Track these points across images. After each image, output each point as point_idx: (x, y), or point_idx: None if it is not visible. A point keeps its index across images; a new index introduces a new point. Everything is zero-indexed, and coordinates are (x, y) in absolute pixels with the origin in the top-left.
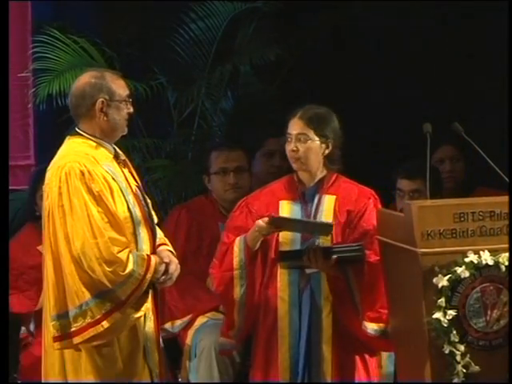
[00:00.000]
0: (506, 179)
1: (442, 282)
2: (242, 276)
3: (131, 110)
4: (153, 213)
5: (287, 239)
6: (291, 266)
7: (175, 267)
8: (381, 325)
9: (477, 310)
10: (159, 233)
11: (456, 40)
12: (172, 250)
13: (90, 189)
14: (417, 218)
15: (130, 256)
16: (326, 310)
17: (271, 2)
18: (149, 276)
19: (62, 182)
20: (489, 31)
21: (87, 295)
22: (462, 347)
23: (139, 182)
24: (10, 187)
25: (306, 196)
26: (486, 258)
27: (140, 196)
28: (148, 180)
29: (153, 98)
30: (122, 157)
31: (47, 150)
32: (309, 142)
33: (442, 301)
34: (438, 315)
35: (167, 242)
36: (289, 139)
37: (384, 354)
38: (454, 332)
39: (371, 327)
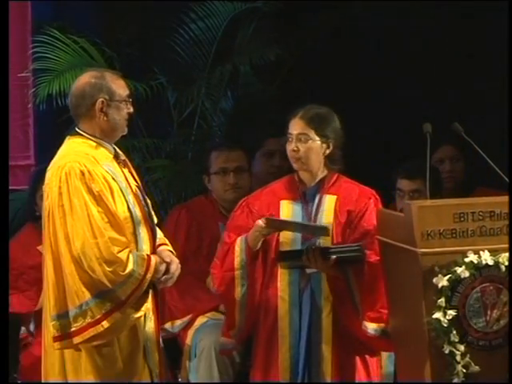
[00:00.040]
0: (506, 179)
1: (442, 282)
2: (243, 276)
3: (131, 109)
4: (152, 213)
5: (288, 239)
6: (291, 266)
7: (176, 267)
8: (381, 325)
9: (477, 309)
10: (159, 233)
11: (456, 40)
12: (172, 250)
13: (90, 189)
14: (417, 218)
15: (130, 256)
16: (326, 310)
17: (271, 2)
18: (149, 276)
19: (62, 181)
20: (489, 31)
21: (87, 295)
22: (461, 347)
23: (139, 182)
24: (10, 187)
25: (306, 196)
26: (486, 257)
27: (140, 196)
28: (148, 180)
29: (153, 98)
30: (122, 157)
31: (47, 150)
32: (310, 141)
33: (441, 301)
34: (437, 315)
35: (167, 242)
36: (289, 139)
37: (384, 354)
38: (454, 332)
39: (371, 327)
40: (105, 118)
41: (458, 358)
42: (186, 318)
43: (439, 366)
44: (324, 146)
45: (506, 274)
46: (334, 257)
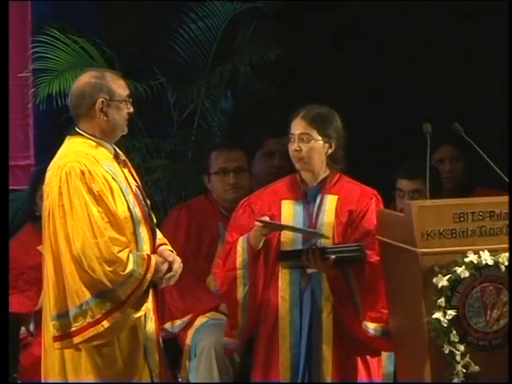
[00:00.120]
0: (506, 179)
1: (442, 281)
2: (245, 275)
3: (131, 109)
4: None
5: (289, 239)
6: (291, 266)
7: (179, 265)
8: (382, 325)
9: (477, 309)
10: (158, 233)
11: (456, 40)
12: (172, 249)
13: (90, 188)
14: (417, 218)
15: (130, 256)
16: (326, 310)
17: (271, 2)
18: (149, 276)
19: (62, 181)
20: (489, 31)
21: (87, 295)
22: (461, 347)
23: (139, 182)
24: (10, 187)
25: (308, 196)
26: (486, 257)
27: (140, 196)
28: (148, 180)
29: (153, 98)
30: (122, 157)
31: (47, 150)
32: (312, 141)
33: (441, 301)
34: (437, 315)
35: (166, 241)
36: (291, 139)
37: (384, 354)
38: (454, 332)
39: (372, 327)
40: (105, 118)
41: (458, 358)
42: (186, 318)
43: (439, 366)
44: (326, 145)
45: (505, 273)
46: (334, 257)
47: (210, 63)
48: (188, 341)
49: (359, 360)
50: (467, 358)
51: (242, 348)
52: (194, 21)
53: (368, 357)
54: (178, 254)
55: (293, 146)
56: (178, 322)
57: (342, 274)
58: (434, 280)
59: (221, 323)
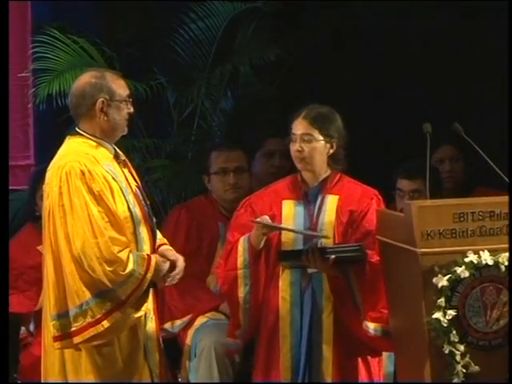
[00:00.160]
0: (506, 179)
1: (442, 281)
2: (246, 275)
3: (131, 109)
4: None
5: (289, 239)
6: (292, 266)
7: (182, 263)
8: (382, 325)
9: (477, 309)
10: (158, 233)
11: (456, 40)
12: (172, 250)
13: (90, 188)
14: (417, 218)
15: (131, 256)
16: (327, 310)
17: (271, 2)
18: (149, 275)
19: (62, 181)
20: (489, 31)
21: (87, 295)
22: (461, 347)
23: (139, 182)
24: (10, 187)
25: (309, 196)
26: (486, 257)
27: (140, 196)
28: (148, 180)
29: (153, 98)
30: (122, 157)
31: (47, 149)
32: (314, 142)
33: (441, 301)
34: (437, 315)
35: (166, 242)
36: (293, 139)
37: (384, 354)
38: (454, 332)
39: (373, 327)
40: (105, 118)
41: (458, 357)
42: (186, 318)
43: (439, 366)
44: (328, 145)
45: (505, 273)
46: (334, 257)
47: (210, 63)
48: (188, 341)
49: (360, 360)
50: (467, 358)
51: (244, 348)
52: (194, 21)
53: (369, 357)
54: None
55: (294, 147)
56: (178, 322)
57: (343, 273)
58: (434, 280)
59: (221, 323)
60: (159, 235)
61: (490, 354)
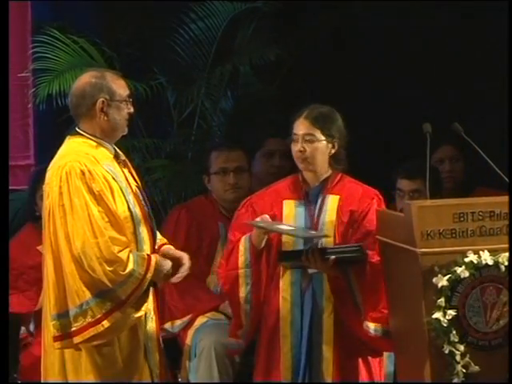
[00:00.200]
0: (506, 179)
1: (442, 281)
2: (248, 275)
3: (131, 110)
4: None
5: (290, 239)
6: (292, 266)
7: (188, 260)
8: (383, 325)
9: (477, 309)
10: (157, 233)
11: (456, 40)
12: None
13: (90, 188)
14: (417, 218)
15: (131, 255)
16: (327, 310)
17: (271, 2)
18: (149, 275)
19: (62, 181)
20: (489, 31)
21: (87, 294)
22: (461, 347)
23: (139, 182)
24: (10, 187)
25: (309, 196)
26: (486, 257)
27: (140, 196)
28: (148, 180)
29: (153, 98)
30: (122, 157)
31: (47, 149)
32: (316, 142)
33: (441, 301)
34: (437, 315)
35: (167, 241)
36: (295, 139)
37: (384, 354)
38: (454, 332)
39: (374, 327)
40: (105, 118)
41: (458, 357)
42: (186, 318)
43: (439, 366)
44: (329, 145)
45: (505, 273)
46: (333, 257)
47: (210, 63)
48: (188, 341)
49: (360, 360)
50: (467, 358)
51: (246, 348)
52: (194, 21)
53: (369, 357)
54: None
55: (296, 147)
56: (178, 322)
57: (343, 274)
58: (434, 280)
59: (221, 323)
60: (159, 235)
61: (489, 354)
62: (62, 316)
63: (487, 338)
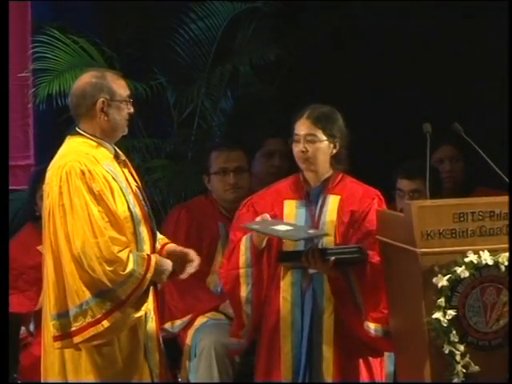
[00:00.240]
0: (506, 179)
1: (442, 281)
2: (249, 274)
3: (132, 110)
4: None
5: None
6: (292, 267)
7: (196, 254)
8: (384, 325)
9: (477, 309)
10: (158, 234)
11: (456, 40)
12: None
13: (90, 188)
14: (417, 218)
15: (131, 255)
16: (327, 310)
17: (271, 2)
18: (149, 275)
19: (62, 181)
20: (489, 31)
21: (87, 294)
22: (461, 347)
23: (139, 182)
24: (10, 187)
25: (310, 196)
26: (486, 257)
27: (140, 196)
28: (148, 180)
29: (153, 98)
30: (122, 157)
31: (47, 149)
32: (317, 142)
33: (441, 301)
34: (437, 315)
35: (169, 240)
36: (296, 140)
37: (384, 354)
38: (454, 332)
39: (374, 328)
40: (105, 118)
41: (458, 357)
42: (186, 318)
43: (439, 366)
44: (331, 145)
45: (505, 274)
46: (333, 258)
47: (210, 63)
48: (188, 341)
49: (361, 361)
50: (467, 358)
51: (247, 348)
52: (194, 21)
53: (370, 358)
54: None
55: (298, 147)
56: (178, 322)
57: (343, 275)
58: (434, 280)
59: (221, 323)
60: (160, 235)
61: (489, 354)
62: (62, 316)
63: (487, 338)
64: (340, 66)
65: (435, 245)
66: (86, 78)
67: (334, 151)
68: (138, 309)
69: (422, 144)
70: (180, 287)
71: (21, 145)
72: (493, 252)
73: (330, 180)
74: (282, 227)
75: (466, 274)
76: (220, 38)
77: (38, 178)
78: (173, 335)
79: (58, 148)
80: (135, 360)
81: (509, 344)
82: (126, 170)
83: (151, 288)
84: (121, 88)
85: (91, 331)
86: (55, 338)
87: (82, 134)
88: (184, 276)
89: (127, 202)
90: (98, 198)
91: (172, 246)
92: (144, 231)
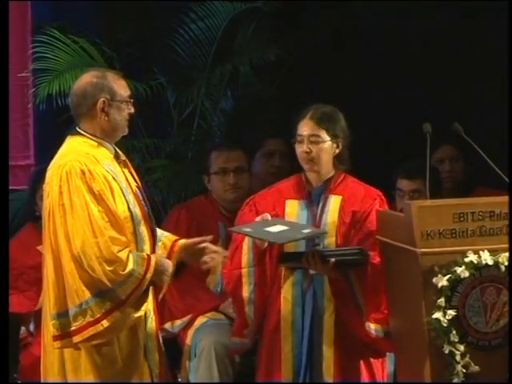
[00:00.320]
0: (506, 179)
1: (442, 281)
2: (251, 274)
3: (132, 110)
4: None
5: None
6: (294, 268)
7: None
8: (385, 326)
9: (476, 309)
10: (164, 232)
11: (456, 40)
12: None
13: (90, 188)
14: (417, 218)
15: (130, 255)
16: (328, 310)
17: (271, 2)
18: (149, 275)
19: (62, 180)
20: (489, 31)
21: (87, 294)
22: (461, 347)
23: (139, 182)
24: (10, 187)
25: (312, 196)
26: (486, 257)
27: (140, 196)
28: (148, 180)
29: (153, 98)
30: (123, 157)
31: (47, 149)
32: (321, 143)
33: (441, 301)
34: (437, 315)
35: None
36: (300, 140)
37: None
38: (454, 332)
39: (376, 328)
40: (106, 118)
41: (458, 357)
42: (186, 318)
43: (439, 366)
44: (334, 145)
45: (505, 274)
46: (333, 260)
47: (210, 63)
48: (188, 341)
49: (362, 362)
50: (467, 358)
51: (250, 347)
52: (194, 21)
53: (371, 359)
54: None
55: (302, 148)
56: (178, 322)
57: (344, 276)
58: (434, 280)
59: (221, 323)
60: (165, 232)
61: (489, 354)
62: (62, 315)
63: (487, 337)
64: (340, 66)
65: (435, 245)
66: (87, 78)
67: (337, 151)
68: (137, 309)
69: (422, 144)
70: (180, 287)
71: (21, 145)
72: (493, 252)
73: (332, 180)
74: (277, 228)
75: (466, 273)
76: (220, 38)
77: (38, 177)
78: (173, 335)
79: (58, 148)
80: (135, 360)
81: (509, 344)
82: (126, 170)
83: (151, 288)
84: (121, 88)
85: (91, 331)
86: (55, 338)
87: (83, 134)
88: (207, 266)
89: (127, 202)
90: (98, 198)
91: (184, 241)
92: (144, 231)
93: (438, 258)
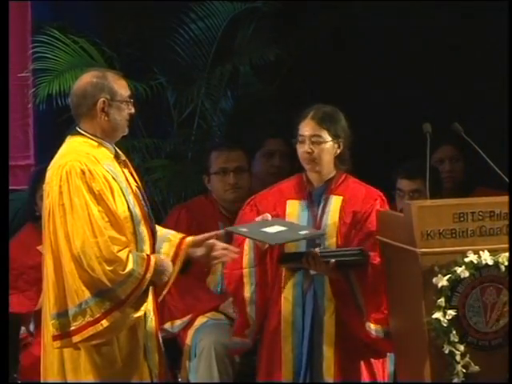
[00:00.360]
0: (506, 179)
1: (442, 281)
2: (252, 274)
3: (132, 110)
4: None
5: None
6: (294, 268)
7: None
8: (385, 326)
9: (477, 309)
10: (169, 230)
11: (456, 40)
12: None
13: (90, 188)
14: (417, 218)
15: (130, 255)
16: (329, 311)
17: (271, 2)
18: (148, 275)
19: (62, 180)
20: (489, 31)
21: (87, 294)
22: (461, 347)
23: (139, 182)
24: (10, 187)
25: (313, 196)
26: (486, 257)
27: (140, 196)
28: (148, 180)
29: (153, 98)
30: (123, 157)
31: (47, 149)
32: (323, 143)
33: (441, 301)
34: (437, 315)
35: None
36: (301, 141)
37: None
38: (454, 332)
39: (376, 328)
40: (106, 118)
41: (458, 357)
42: (186, 318)
43: (439, 366)
44: (335, 146)
45: (505, 274)
46: (334, 260)
47: (210, 63)
48: (188, 341)
49: (362, 362)
50: (467, 358)
51: (251, 347)
52: (194, 21)
53: (372, 359)
54: None
55: (303, 148)
56: (178, 322)
57: (344, 276)
58: (434, 280)
59: (221, 323)
60: (170, 231)
61: (489, 354)
62: (62, 315)
63: (487, 338)
64: (340, 66)
65: (435, 245)
66: (87, 78)
67: (338, 151)
68: (137, 309)
69: (422, 144)
70: (180, 287)
71: (21, 145)
72: (493, 252)
73: (333, 180)
74: (274, 228)
75: (466, 274)
76: (220, 38)
77: (38, 177)
78: (173, 335)
79: (58, 148)
80: (135, 360)
81: (509, 344)
82: (126, 170)
83: (151, 288)
84: (122, 88)
85: (90, 331)
86: (54, 338)
87: (83, 134)
88: (217, 262)
89: (127, 201)
90: (98, 198)
91: (192, 238)
92: (144, 231)
93: (437, 258)
